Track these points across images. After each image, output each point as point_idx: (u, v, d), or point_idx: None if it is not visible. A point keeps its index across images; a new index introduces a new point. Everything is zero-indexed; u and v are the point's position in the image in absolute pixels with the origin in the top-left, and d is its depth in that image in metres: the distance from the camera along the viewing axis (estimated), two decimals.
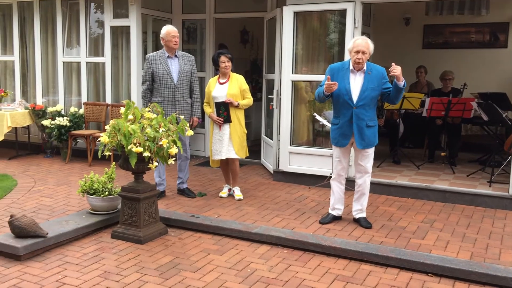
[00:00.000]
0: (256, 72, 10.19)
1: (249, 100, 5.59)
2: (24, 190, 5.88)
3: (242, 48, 10.38)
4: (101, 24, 7.79)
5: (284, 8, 6.25)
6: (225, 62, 5.48)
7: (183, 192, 5.74)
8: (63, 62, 8.08)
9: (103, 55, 7.74)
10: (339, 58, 6.09)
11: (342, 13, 6.01)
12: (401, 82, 4.32)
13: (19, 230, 3.99)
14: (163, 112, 4.56)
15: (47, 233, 4.11)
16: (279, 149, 6.59)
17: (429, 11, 9.15)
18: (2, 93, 8.17)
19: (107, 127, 4.37)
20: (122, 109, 4.40)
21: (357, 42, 4.46)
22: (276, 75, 6.73)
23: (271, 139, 6.93)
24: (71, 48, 8.12)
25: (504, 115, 5.96)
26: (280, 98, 6.52)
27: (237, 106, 5.48)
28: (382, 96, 4.60)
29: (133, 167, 4.24)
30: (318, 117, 5.98)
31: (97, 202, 4.70)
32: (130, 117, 4.38)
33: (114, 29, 7.60)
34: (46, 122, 7.58)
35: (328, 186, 5.45)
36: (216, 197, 5.69)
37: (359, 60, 4.41)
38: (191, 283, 3.57)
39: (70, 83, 8.18)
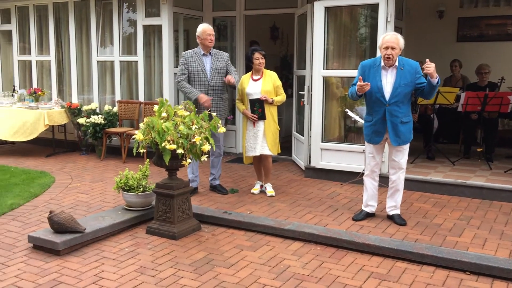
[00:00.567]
0: (286, 68, 10.17)
1: (282, 97, 5.59)
2: (62, 187, 6.05)
3: (272, 44, 10.37)
4: (133, 23, 7.91)
5: (315, 3, 6.21)
6: (259, 58, 5.49)
7: (215, 188, 5.78)
8: (97, 61, 8.25)
9: (135, 53, 7.86)
10: (370, 53, 6.02)
11: (374, 7, 5.92)
12: (435, 79, 4.23)
13: (58, 225, 4.11)
14: (196, 109, 4.60)
15: (85, 229, 4.22)
16: (310, 145, 6.56)
17: (463, 3, 8.94)
18: (39, 92, 8.41)
19: (141, 124, 4.45)
20: (156, 107, 4.47)
21: (386, 38, 4.40)
22: (307, 71, 6.70)
23: (302, 135, 6.91)
24: (105, 47, 8.28)
25: None
26: (311, 94, 6.49)
27: (271, 103, 5.48)
28: (416, 91, 4.52)
29: (167, 164, 4.30)
30: (350, 113, 5.93)
31: (132, 199, 4.79)
32: (164, 114, 4.44)
33: (146, 28, 7.71)
34: (81, 120, 7.76)
35: (361, 182, 5.40)
36: (248, 194, 5.72)
37: (389, 56, 4.34)
38: (225, 279, 3.61)
39: (104, 82, 8.35)
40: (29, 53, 9.06)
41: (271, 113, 5.52)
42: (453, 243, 4.17)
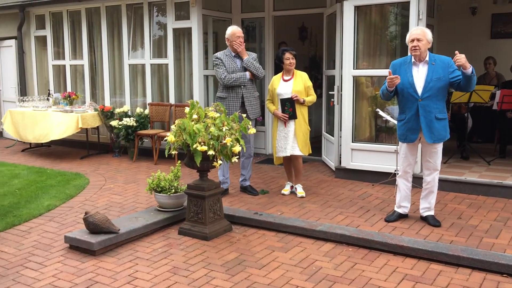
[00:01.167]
0: (315, 68, 10.12)
1: (313, 97, 5.58)
2: (96, 188, 6.18)
3: (301, 44, 10.34)
4: (163, 26, 8.02)
5: (345, 2, 6.16)
6: (289, 59, 5.48)
7: (245, 189, 5.80)
8: (129, 65, 8.40)
9: (166, 56, 7.97)
10: (401, 52, 5.94)
11: (405, 5, 5.84)
12: (468, 70, 4.12)
13: (93, 226, 4.20)
14: (226, 111, 4.63)
15: (119, 229, 4.30)
16: (340, 145, 6.51)
17: None
18: (74, 96, 8.61)
19: (172, 126, 4.51)
20: (187, 109, 4.52)
21: (412, 32, 4.42)
22: (337, 71, 6.65)
23: (332, 135, 6.86)
24: (135, 50, 8.42)
25: None
26: (341, 94, 6.44)
27: (302, 103, 5.47)
28: (452, 85, 4.41)
29: (198, 165, 4.35)
30: (381, 113, 5.85)
31: (164, 200, 4.85)
32: (195, 116, 4.49)
33: (176, 31, 7.80)
34: (114, 123, 7.91)
35: (393, 183, 5.34)
36: (279, 195, 5.71)
37: (416, 47, 4.29)
38: (257, 280, 3.62)
39: (136, 85, 8.50)
40: (63, 58, 9.30)
41: (302, 113, 5.51)
42: (490, 245, 4.07)
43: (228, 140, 4.32)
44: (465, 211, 4.99)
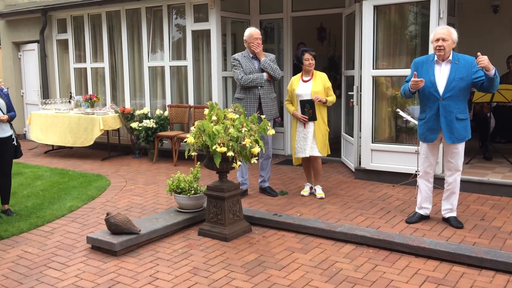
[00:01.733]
0: (333, 69, 10.06)
1: (333, 98, 5.56)
2: (117, 189, 6.25)
3: (319, 45, 10.29)
4: (182, 28, 8.07)
5: (364, 2, 6.12)
6: (309, 59, 5.47)
7: (265, 190, 5.81)
8: (149, 67, 8.48)
9: (185, 58, 8.02)
10: (422, 51, 5.87)
11: (425, 4, 5.78)
12: (491, 71, 4.06)
13: (114, 227, 4.25)
14: (245, 112, 4.64)
15: (140, 230, 4.34)
16: (360, 146, 6.47)
17: None
18: (95, 98, 8.73)
19: (192, 128, 4.53)
20: (206, 111, 4.54)
21: (437, 31, 4.36)
22: (356, 71, 6.61)
23: (352, 136, 6.82)
24: (155, 53, 8.50)
25: None
26: (360, 95, 6.40)
27: (325, 103, 5.45)
28: (475, 86, 4.35)
29: (218, 167, 4.37)
30: (401, 113, 5.80)
31: (184, 201, 4.89)
32: (214, 118, 4.51)
33: (194, 33, 7.85)
34: (134, 125, 7.99)
35: (413, 184, 5.28)
36: (298, 196, 5.70)
37: (441, 47, 4.24)
38: (277, 281, 3.61)
39: (155, 87, 8.57)
40: (84, 61, 9.43)
41: (321, 114, 5.49)
42: None
43: (247, 141, 4.34)
44: (488, 213, 4.91)
